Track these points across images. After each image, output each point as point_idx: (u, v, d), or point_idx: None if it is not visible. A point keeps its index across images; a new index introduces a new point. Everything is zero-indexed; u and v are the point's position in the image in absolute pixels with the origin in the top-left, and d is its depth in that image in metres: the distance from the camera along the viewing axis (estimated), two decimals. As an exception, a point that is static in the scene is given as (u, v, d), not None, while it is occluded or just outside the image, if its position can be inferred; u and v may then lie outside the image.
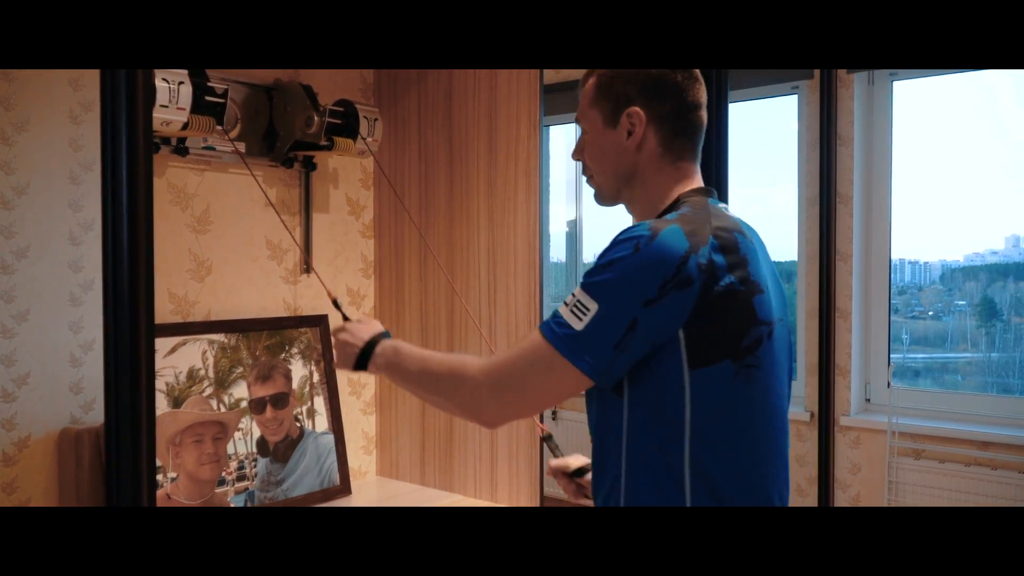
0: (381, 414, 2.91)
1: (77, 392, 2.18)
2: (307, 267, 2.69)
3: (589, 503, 1.59)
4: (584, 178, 1.49)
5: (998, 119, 3.37)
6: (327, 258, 2.77)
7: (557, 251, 4.58)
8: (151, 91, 2.01)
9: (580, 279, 1.23)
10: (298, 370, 2.57)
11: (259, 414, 2.45)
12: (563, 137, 4.56)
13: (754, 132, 3.80)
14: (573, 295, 1.22)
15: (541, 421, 1.94)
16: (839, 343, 3.35)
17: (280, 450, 2.48)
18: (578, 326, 1.18)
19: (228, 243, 2.50)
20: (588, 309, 1.19)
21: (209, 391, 2.35)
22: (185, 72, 2.13)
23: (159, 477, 2.20)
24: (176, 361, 2.30)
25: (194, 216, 2.42)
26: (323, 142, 2.49)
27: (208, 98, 2.19)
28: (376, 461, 2.93)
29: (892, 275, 3.46)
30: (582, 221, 4.50)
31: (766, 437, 1.25)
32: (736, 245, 1.23)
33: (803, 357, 3.57)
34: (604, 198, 1.46)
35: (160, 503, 2.17)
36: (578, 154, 1.47)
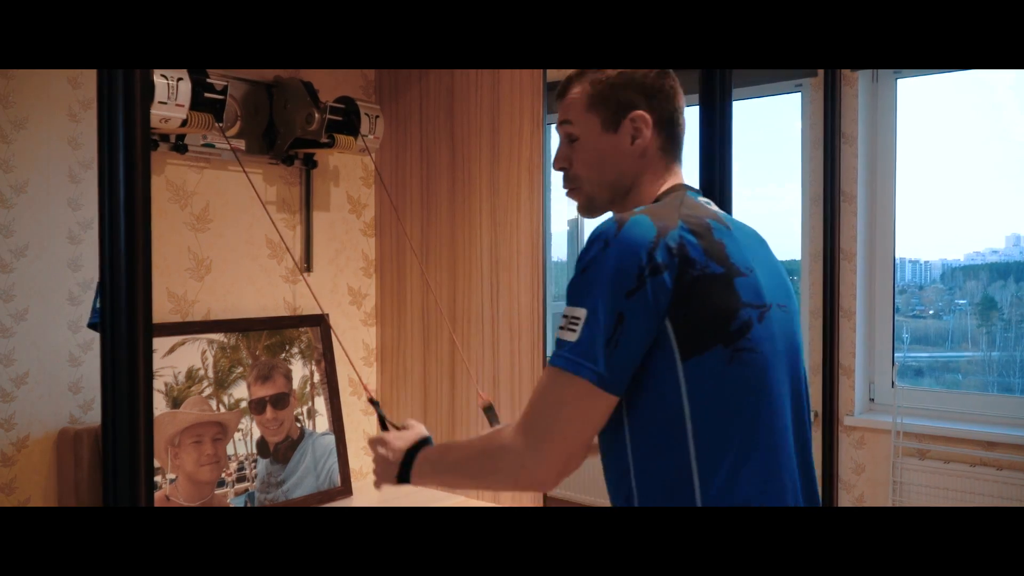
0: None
1: (76, 392, 2.17)
2: (307, 266, 2.68)
3: None
4: (563, 185, 1.45)
5: (999, 118, 3.35)
6: (328, 257, 2.75)
7: (559, 250, 4.57)
8: (148, 91, 1.99)
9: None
10: (298, 370, 2.56)
11: (259, 414, 2.44)
12: (565, 135, 4.54)
13: (757, 131, 3.79)
14: (563, 315, 1.20)
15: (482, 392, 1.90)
16: (843, 342, 3.34)
17: (280, 451, 2.47)
18: (573, 338, 1.17)
19: (228, 241, 2.49)
20: (577, 318, 1.17)
21: (208, 391, 2.34)
22: (184, 68, 2.11)
23: (158, 478, 2.19)
24: (175, 361, 2.28)
25: (193, 214, 2.41)
26: (324, 139, 2.47)
27: (207, 95, 2.18)
28: (377, 461, 2.92)
29: (895, 274, 3.45)
30: (583, 220, 4.49)
31: (771, 420, 1.22)
32: (708, 229, 1.22)
33: (807, 356, 3.55)
34: (595, 209, 1.44)
35: (159, 505, 2.16)
36: (564, 162, 1.42)
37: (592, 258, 1.19)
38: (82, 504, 2.09)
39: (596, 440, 1.36)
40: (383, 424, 1.55)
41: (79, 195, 2.16)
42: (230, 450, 2.35)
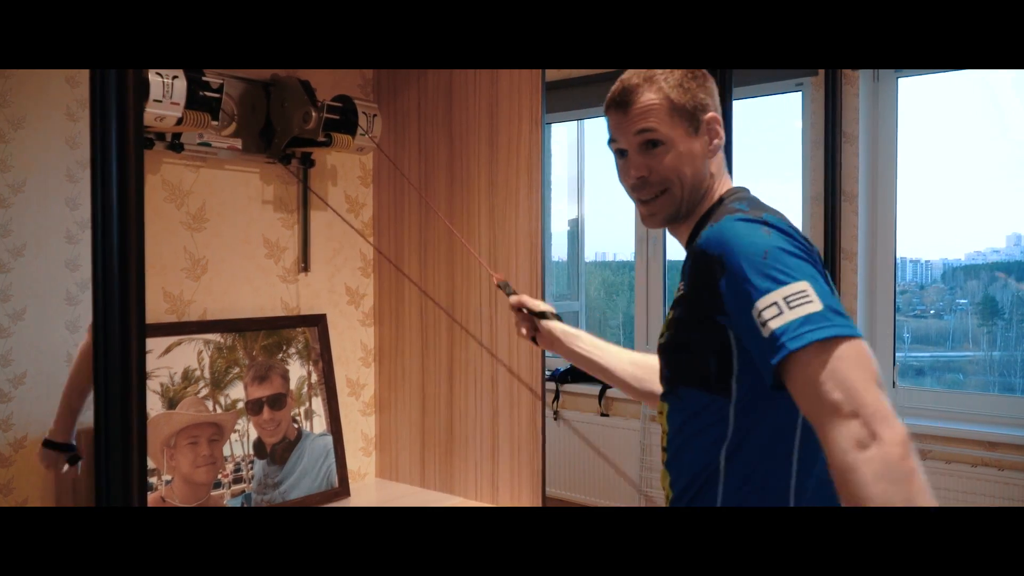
0: (380, 415, 2.89)
1: (72, 392, 2.16)
2: (305, 266, 2.67)
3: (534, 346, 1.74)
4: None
5: (1000, 118, 3.35)
6: (325, 256, 2.74)
7: (558, 250, 4.56)
8: (142, 91, 1.99)
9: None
10: (296, 371, 2.55)
11: (256, 415, 2.43)
12: (565, 135, 4.54)
13: (758, 130, 3.78)
14: (769, 304, 1.12)
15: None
16: (843, 342, 3.33)
17: (277, 452, 2.46)
18: (817, 306, 1.10)
19: (224, 241, 2.48)
20: (803, 291, 1.11)
21: (205, 392, 2.33)
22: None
23: (153, 480, 2.18)
24: (171, 361, 2.28)
25: (189, 213, 2.40)
26: (321, 138, 2.46)
27: (203, 93, 2.17)
28: (375, 463, 2.91)
29: (896, 274, 3.44)
30: (584, 220, 4.48)
31: None
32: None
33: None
34: (678, 216, 1.42)
35: (154, 506, 2.15)
36: (643, 171, 1.39)
37: (765, 243, 1.17)
38: (80, 505, 2.09)
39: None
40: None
41: (77, 195, 2.15)
42: (226, 451, 2.34)
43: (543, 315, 1.85)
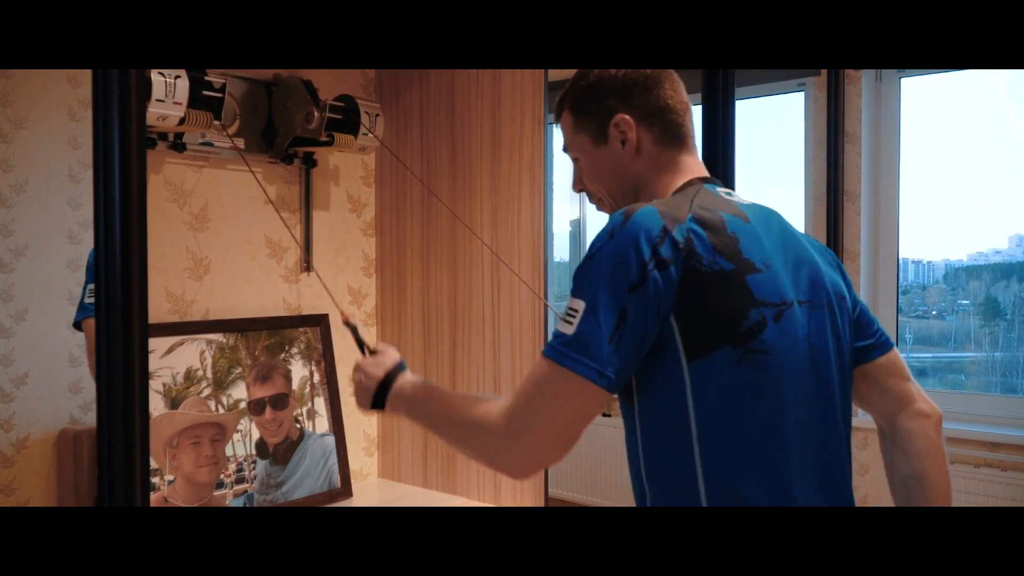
0: (382, 415, 2.89)
1: (76, 392, 2.16)
2: (307, 265, 2.67)
3: None
4: (590, 201, 1.46)
5: (1002, 118, 3.34)
6: (328, 256, 2.74)
7: (560, 250, 4.56)
8: (144, 92, 1.99)
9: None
10: (298, 371, 2.55)
11: (258, 415, 2.43)
12: (567, 135, 4.53)
13: (760, 130, 3.78)
14: (567, 304, 1.17)
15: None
16: (846, 343, 3.33)
17: (280, 452, 2.46)
18: (570, 331, 1.12)
19: (227, 241, 2.48)
20: (576, 311, 1.13)
21: (207, 392, 2.33)
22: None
23: (156, 480, 2.18)
24: (173, 361, 2.28)
25: (192, 213, 2.40)
26: (323, 138, 2.46)
27: (205, 93, 2.17)
28: (377, 463, 2.91)
29: (899, 274, 3.43)
30: (585, 220, 4.48)
31: (786, 429, 1.17)
32: (721, 224, 1.18)
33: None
34: None
35: (157, 506, 2.15)
36: (578, 185, 1.42)
37: (597, 248, 1.16)
38: (82, 505, 2.09)
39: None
40: (360, 348, 1.54)
41: (79, 195, 2.15)
42: (229, 451, 2.34)
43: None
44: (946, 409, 3.24)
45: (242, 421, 2.38)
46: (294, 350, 2.55)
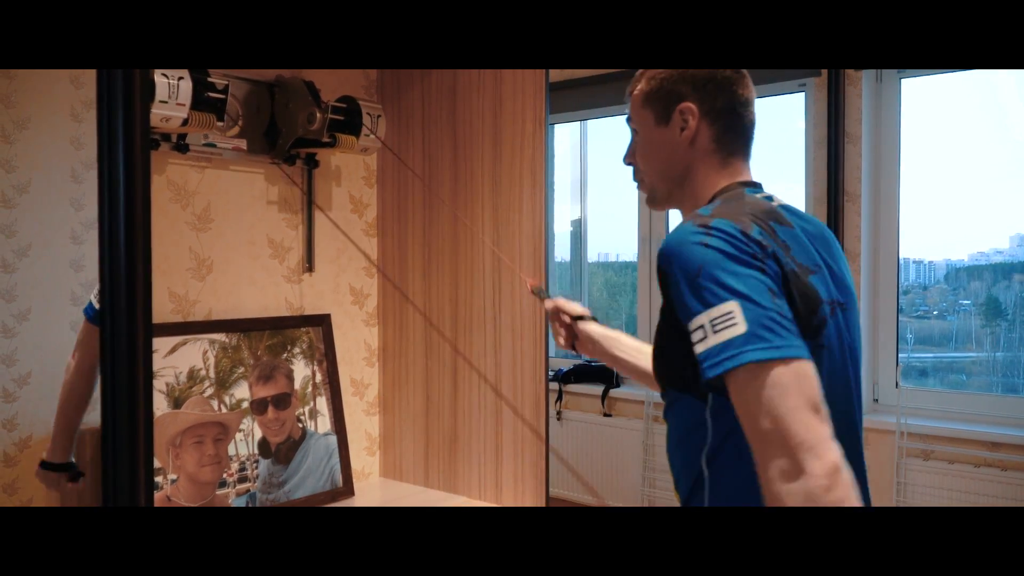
0: (384, 415, 2.89)
1: (77, 392, 2.17)
2: (309, 266, 2.68)
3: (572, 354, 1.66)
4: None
5: (1003, 118, 3.35)
6: (329, 256, 2.75)
7: (561, 251, 4.56)
8: (148, 91, 1.99)
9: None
10: (300, 370, 2.56)
11: (261, 415, 2.43)
12: (569, 135, 4.53)
13: (760, 130, 3.78)
14: (698, 327, 1.11)
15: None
16: (846, 343, 3.33)
17: (282, 451, 2.46)
18: (742, 329, 1.07)
19: (229, 241, 2.49)
20: (731, 311, 1.08)
21: (210, 391, 2.33)
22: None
23: (159, 479, 2.18)
24: (176, 361, 2.28)
25: (195, 214, 2.41)
26: (325, 139, 2.47)
27: (208, 94, 2.18)
28: (379, 462, 2.92)
29: (899, 274, 3.44)
30: (586, 220, 4.48)
31: (841, 418, 1.18)
32: (774, 231, 1.22)
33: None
34: (657, 200, 1.46)
35: (160, 505, 2.15)
36: (630, 157, 1.46)
37: (699, 261, 1.13)
38: (84, 504, 2.09)
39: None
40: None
41: (82, 195, 2.16)
42: (231, 450, 2.35)
43: (580, 318, 1.81)
44: (947, 409, 3.26)
45: (245, 420, 2.39)
46: (296, 350, 2.56)
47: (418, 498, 2.65)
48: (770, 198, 1.35)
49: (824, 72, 3.36)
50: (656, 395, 2.28)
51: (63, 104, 2.13)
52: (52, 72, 2.10)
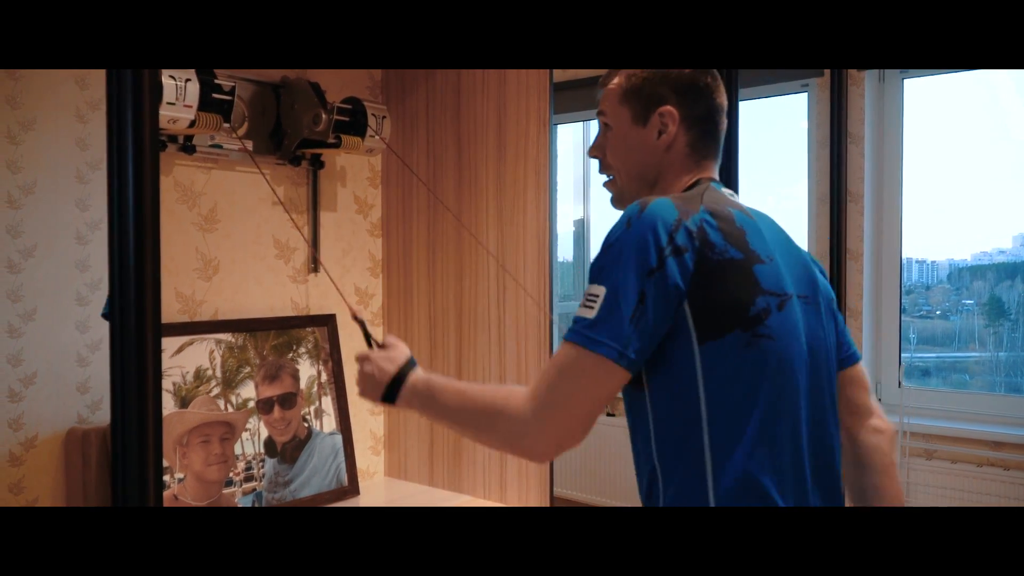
0: (389, 414, 2.90)
1: (84, 392, 2.18)
2: (315, 266, 2.68)
3: None
4: (600, 177, 1.48)
5: (1005, 118, 3.35)
6: (335, 257, 2.76)
7: (564, 250, 4.57)
8: (157, 91, 2.00)
9: (588, 278, 1.22)
10: (306, 370, 2.56)
11: (267, 414, 2.44)
12: (571, 136, 4.54)
13: (764, 131, 3.79)
14: (585, 294, 1.20)
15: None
16: (849, 343, 3.33)
17: (288, 450, 2.47)
18: (591, 315, 1.16)
19: (235, 242, 2.49)
20: (596, 296, 1.17)
21: (216, 391, 2.34)
22: (192, 69, 2.12)
23: (166, 478, 2.19)
24: (183, 361, 2.29)
25: (201, 215, 2.42)
26: (331, 140, 2.48)
27: (215, 96, 2.18)
28: (384, 462, 2.92)
29: (902, 274, 3.44)
30: (590, 220, 4.49)
31: (789, 408, 1.22)
32: (730, 217, 1.24)
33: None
34: (624, 200, 1.45)
35: (167, 504, 2.16)
36: (597, 151, 1.45)
37: (615, 237, 1.20)
38: (90, 504, 2.10)
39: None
40: (368, 342, 1.56)
41: (87, 196, 2.17)
42: (238, 450, 2.36)
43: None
44: (950, 409, 3.26)
45: (251, 420, 2.40)
46: (302, 349, 2.57)
47: (423, 497, 2.66)
48: (733, 195, 1.36)
49: (827, 72, 3.37)
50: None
51: (68, 105, 2.14)
52: (57, 73, 2.11)
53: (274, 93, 2.51)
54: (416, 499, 2.64)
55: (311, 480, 2.51)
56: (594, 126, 4.77)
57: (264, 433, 2.43)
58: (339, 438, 2.61)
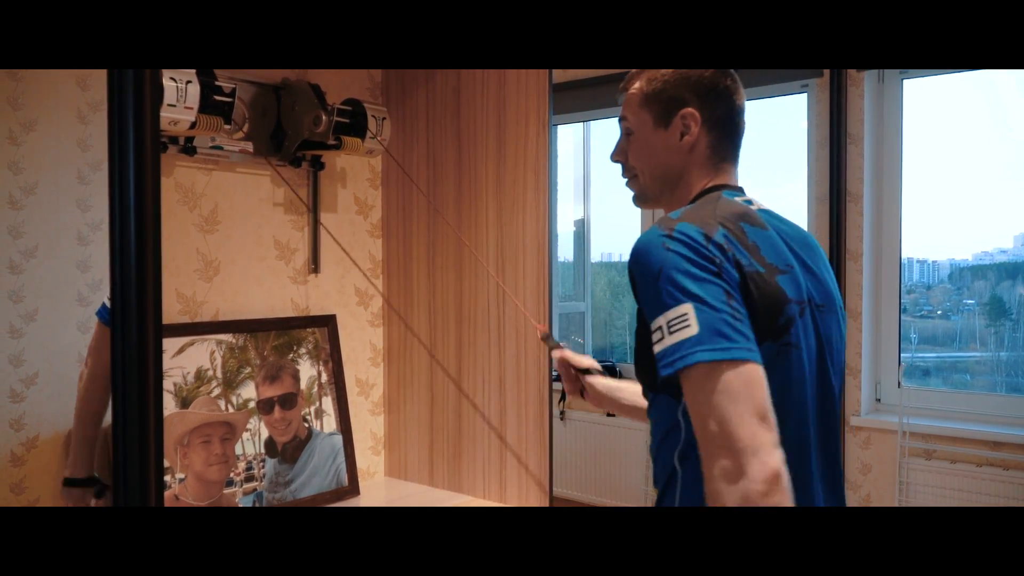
0: (389, 414, 2.91)
1: (85, 392, 2.18)
2: (315, 267, 2.69)
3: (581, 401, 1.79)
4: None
5: (1005, 118, 3.35)
6: (335, 258, 2.76)
7: (565, 251, 4.57)
8: (159, 92, 2.01)
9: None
10: (306, 370, 2.57)
11: (267, 414, 2.45)
12: (571, 136, 4.55)
13: (763, 131, 3.79)
14: (657, 328, 1.15)
15: (549, 337, 1.94)
16: (849, 343, 3.34)
17: (288, 451, 2.48)
18: (695, 330, 1.11)
19: (236, 243, 2.50)
20: (685, 314, 1.12)
21: (217, 391, 2.35)
22: (193, 71, 2.12)
23: (167, 478, 2.20)
24: (184, 361, 2.30)
25: (202, 216, 2.42)
26: (331, 141, 2.48)
27: (216, 97, 2.19)
28: (384, 462, 2.93)
29: (901, 274, 3.44)
30: (590, 221, 4.49)
31: (807, 416, 1.24)
32: (742, 233, 1.24)
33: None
34: (646, 200, 1.47)
35: (168, 504, 2.17)
36: (620, 155, 1.47)
37: (659, 263, 1.17)
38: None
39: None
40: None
41: (88, 196, 2.17)
42: (238, 450, 2.36)
43: (587, 371, 1.82)
44: (949, 409, 3.27)
45: (251, 420, 2.41)
46: (302, 350, 2.57)
47: (423, 497, 2.66)
48: (749, 202, 1.37)
49: (826, 73, 3.37)
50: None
51: (70, 106, 2.14)
52: (59, 74, 2.12)
53: (274, 95, 2.51)
54: (416, 499, 2.65)
55: (311, 480, 2.51)
56: (594, 126, 4.79)
57: (265, 433, 2.43)
58: (339, 438, 2.62)
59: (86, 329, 2.17)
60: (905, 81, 3.38)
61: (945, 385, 3.50)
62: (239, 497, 2.34)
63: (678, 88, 1.39)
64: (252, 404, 2.42)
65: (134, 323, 1.20)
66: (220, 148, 2.39)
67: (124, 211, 1.20)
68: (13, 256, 2.05)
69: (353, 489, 2.61)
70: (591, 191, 4.48)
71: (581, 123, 4.41)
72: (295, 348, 2.56)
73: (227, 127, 2.25)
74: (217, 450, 2.31)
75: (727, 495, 1.08)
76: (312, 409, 2.57)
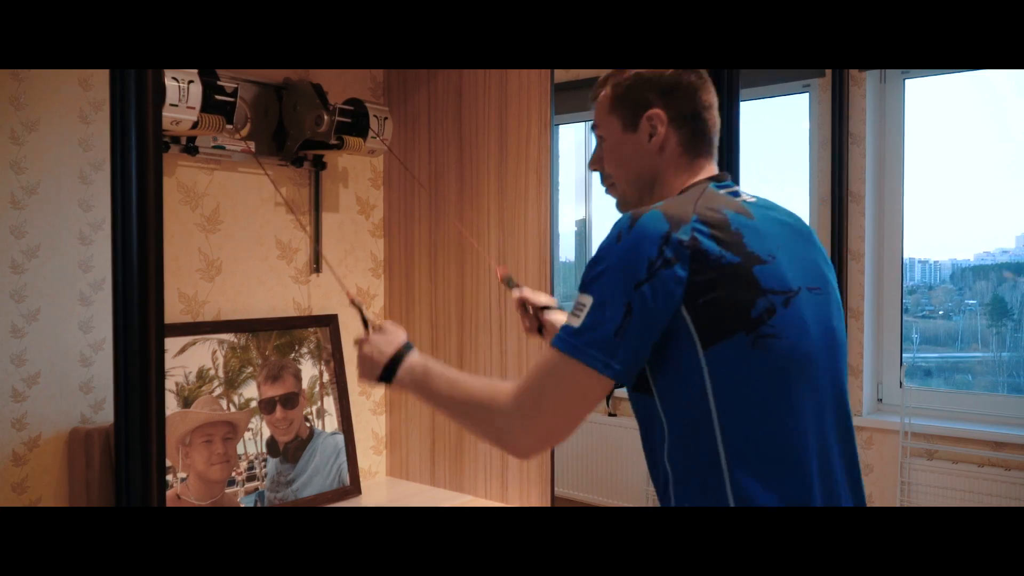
0: (391, 414, 2.91)
1: (87, 392, 2.18)
2: (316, 267, 2.69)
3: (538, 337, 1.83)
4: (601, 183, 1.50)
5: (1007, 118, 3.35)
6: (337, 257, 2.76)
7: (566, 250, 4.57)
8: (160, 91, 2.01)
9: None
10: (308, 370, 2.57)
11: (269, 414, 2.45)
12: (573, 136, 4.55)
13: (765, 131, 3.79)
14: (576, 301, 1.24)
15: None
16: (851, 343, 3.33)
17: (290, 450, 2.48)
18: (578, 323, 1.20)
19: (238, 242, 2.50)
20: (584, 305, 1.21)
21: (219, 391, 2.35)
22: (195, 71, 2.12)
23: (169, 477, 2.20)
24: (186, 361, 2.30)
25: (204, 215, 2.42)
26: (333, 141, 2.48)
27: (218, 97, 2.19)
28: (386, 461, 2.93)
29: (903, 274, 3.44)
30: (591, 220, 4.49)
31: (798, 406, 1.23)
32: (725, 221, 1.24)
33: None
34: (628, 206, 1.48)
35: (170, 503, 2.17)
36: (596, 164, 1.48)
37: (605, 249, 1.23)
38: (93, 503, 2.11)
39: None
40: (365, 325, 1.60)
41: (90, 196, 2.17)
42: (240, 449, 2.36)
43: (546, 308, 1.86)
44: (951, 409, 3.26)
45: (253, 420, 2.41)
46: (304, 350, 2.57)
47: (424, 497, 2.66)
48: (736, 193, 1.37)
49: (828, 73, 3.37)
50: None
51: (72, 106, 2.14)
52: (60, 74, 2.12)
53: (276, 94, 2.52)
54: (418, 499, 2.65)
55: (313, 480, 2.51)
56: (596, 126, 4.74)
57: (266, 433, 2.43)
58: (341, 438, 2.62)
59: (88, 328, 2.17)
60: (907, 81, 3.37)
61: (947, 385, 3.50)
62: (241, 497, 2.35)
63: (641, 90, 1.39)
64: (254, 404, 2.42)
65: (136, 323, 1.20)
66: (222, 148, 2.39)
67: (126, 211, 1.20)
68: (15, 256, 2.05)
69: (355, 489, 2.62)
70: (592, 191, 4.47)
71: (582, 123, 4.41)
72: (297, 348, 2.56)
73: (229, 127, 2.25)
74: (219, 450, 2.31)
75: (483, 425, 1.28)
76: (314, 409, 2.57)
